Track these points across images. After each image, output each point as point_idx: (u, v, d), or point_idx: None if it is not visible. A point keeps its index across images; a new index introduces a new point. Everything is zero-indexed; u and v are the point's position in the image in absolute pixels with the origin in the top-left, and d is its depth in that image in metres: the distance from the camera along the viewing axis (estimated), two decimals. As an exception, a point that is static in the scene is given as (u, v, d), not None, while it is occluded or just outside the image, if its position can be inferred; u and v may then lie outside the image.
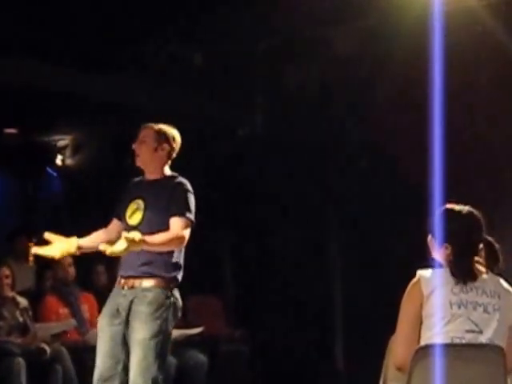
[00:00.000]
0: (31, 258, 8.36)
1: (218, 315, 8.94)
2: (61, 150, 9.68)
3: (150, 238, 4.78)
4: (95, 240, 5.12)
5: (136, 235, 4.69)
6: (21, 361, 6.77)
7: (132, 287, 4.94)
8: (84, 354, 6.98)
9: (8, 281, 7.23)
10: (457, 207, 3.92)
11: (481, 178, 7.83)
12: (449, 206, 3.95)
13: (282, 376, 9.05)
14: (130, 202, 5.10)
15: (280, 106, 9.11)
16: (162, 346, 4.90)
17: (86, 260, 7.07)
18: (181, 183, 5.09)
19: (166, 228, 4.90)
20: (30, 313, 7.31)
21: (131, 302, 4.93)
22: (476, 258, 3.84)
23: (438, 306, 3.72)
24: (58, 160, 9.70)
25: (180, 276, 5.05)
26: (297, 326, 9.24)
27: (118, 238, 4.96)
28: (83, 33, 7.42)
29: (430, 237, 3.93)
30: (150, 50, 8.05)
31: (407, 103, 7.95)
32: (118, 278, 5.06)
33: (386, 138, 8.22)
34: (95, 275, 8.03)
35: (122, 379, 4.95)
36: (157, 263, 4.95)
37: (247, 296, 9.63)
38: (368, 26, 7.66)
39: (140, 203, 5.06)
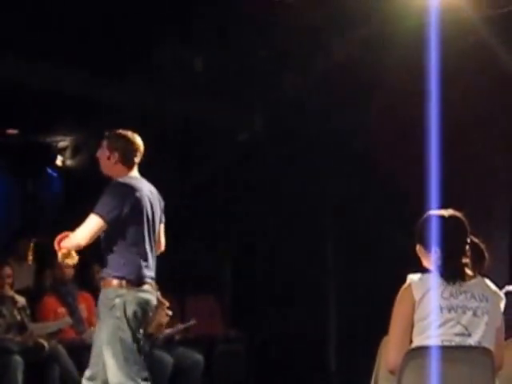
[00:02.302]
0: (30, 258, 8.41)
1: (215, 315, 9.01)
2: (61, 151, 9.68)
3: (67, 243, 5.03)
4: None
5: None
6: (18, 359, 6.81)
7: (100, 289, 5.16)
8: (81, 353, 7.00)
9: (10, 280, 7.29)
10: (440, 212, 3.97)
11: (471, 187, 7.93)
12: (432, 212, 3.99)
13: (276, 375, 9.10)
14: None
15: (279, 112, 9.18)
16: (121, 344, 5.00)
17: (84, 259, 7.15)
18: (111, 184, 5.19)
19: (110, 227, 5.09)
20: (28, 311, 7.35)
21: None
22: (464, 261, 3.89)
23: (429, 311, 3.76)
24: (59, 161, 9.69)
25: (129, 273, 5.10)
26: (291, 326, 9.30)
27: None
28: (85, 34, 7.42)
29: (418, 246, 4.00)
30: (151, 54, 8.06)
31: (403, 111, 8.02)
32: None
33: (383, 146, 8.28)
34: (93, 274, 8.08)
35: (104, 377, 5.07)
36: (107, 264, 5.10)
37: (243, 297, 9.68)
38: (364, 36, 7.70)
39: None
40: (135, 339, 5.05)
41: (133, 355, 5.02)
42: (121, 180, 5.17)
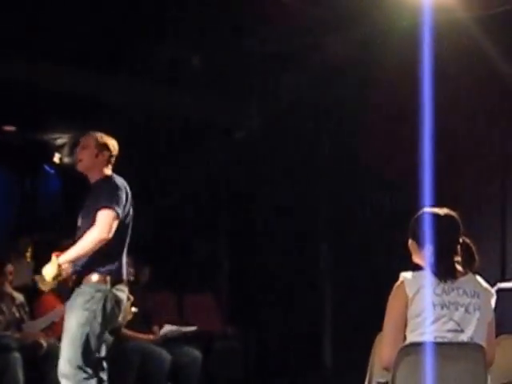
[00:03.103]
0: (29, 255, 8.42)
1: (213, 312, 9.00)
2: (59, 149, 9.69)
3: (66, 256, 5.05)
4: None
5: (48, 270, 5.00)
6: (17, 355, 6.81)
7: (74, 282, 5.16)
8: None
9: (10, 277, 7.30)
10: (436, 210, 4.02)
11: (465, 184, 7.97)
12: (427, 209, 4.04)
13: (273, 371, 9.13)
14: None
15: (275, 111, 9.20)
16: (90, 336, 5.06)
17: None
18: (106, 181, 5.28)
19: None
20: (27, 309, 7.35)
21: (72, 296, 5.16)
22: (456, 259, 3.94)
23: (422, 308, 3.81)
24: (56, 158, 9.71)
25: (113, 269, 5.17)
26: (288, 323, 9.31)
27: None
28: (84, 33, 7.46)
29: (410, 241, 4.05)
30: (149, 52, 8.08)
31: (397, 110, 8.06)
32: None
33: (377, 143, 8.31)
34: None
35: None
36: (90, 259, 5.12)
37: (241, 294, 9.71)
38: (359, 35, 7.73)
39: (84, 205, 5.31)
40: (101, 336, 5.13)
41: (92, 352, 5.08)
42: (116, 179, 5.26)
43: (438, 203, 4.14)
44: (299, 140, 9.15)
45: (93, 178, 5.34)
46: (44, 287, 5.09)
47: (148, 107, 8.64)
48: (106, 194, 5.14)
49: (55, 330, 7.25)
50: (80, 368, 5.02)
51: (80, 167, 5.37)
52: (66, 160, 9.69)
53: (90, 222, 5.09)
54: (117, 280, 5.17)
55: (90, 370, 5.05)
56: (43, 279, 5.06)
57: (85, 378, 5.03)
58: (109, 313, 5.11)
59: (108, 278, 5.12)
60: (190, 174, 8.96)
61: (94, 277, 5.11)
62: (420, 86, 6.47)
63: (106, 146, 5.35)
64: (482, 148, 8.03)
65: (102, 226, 5.04)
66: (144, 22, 7.74)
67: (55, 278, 5.06)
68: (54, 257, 5.07)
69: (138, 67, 8.27)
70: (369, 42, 7.75)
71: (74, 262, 5.10)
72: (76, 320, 5.05)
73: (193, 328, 7.76)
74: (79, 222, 5.28)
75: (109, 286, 5.12)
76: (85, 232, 5.09)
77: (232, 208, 9.67)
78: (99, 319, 5.07)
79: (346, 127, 9.03)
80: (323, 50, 8.06)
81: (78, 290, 5.12)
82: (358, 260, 8.99)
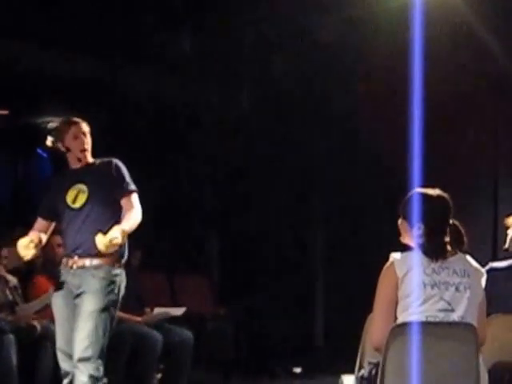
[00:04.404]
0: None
1: (204, 293, 9.05)
2: (51, 132, 9.67)
3: (127, 226, 5.00)
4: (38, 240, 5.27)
5: (116, 233, 4.90)
6: (11, 337, 6.78)
7: (83, 267, 5.11)
8: None
9: (5, 261, 7.29)
10: (428, 190, 4.05)
11: (455, 167, 7.97)
12: (419, 189, 4.07)
13: (264, 352, 9.20)
14: (67, 190, 5.26)
15: (267, 91, 9.22)
16: (110, 319, 5.07)
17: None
18: (115, 163, 5.29)
19: (111, 204, 5.12)
20: (20, 291, 7.33)
21: (82, 280, 5.09)
22: (446, 239, 3.97)
23: (412, 288, 3.84)
24: (49, 141, 9.66)
25: (126, 252, 5.19)
26: (279, 304, 9.35)
27: (46, 235, 5.30)
28: (75, 16, 7.46)
29: (400, 220, 4.07)
30: (140, 36, 8.07)
31: (387, 91, 8.05)
32: (65, 258, 5.22)
33: (367, 125, 8.32)
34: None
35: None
36: None
37: (232, 275, 9.72)
38: (350, 16, 7.72)
39: (81, 187, 5.24)
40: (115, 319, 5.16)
41: (108, 336, 5.09)
42: (113, 159, 5.30)
43: (429, 185, 4.15)
44: (290, 123, 9.14)
45: (83, 162, 5.35)
46: (105, 248, 4.96)
47: (140, 90, 8.63)
48: (129, 178, 5.19)
49: (48, 312, 7.27)
50: (102, 352, 5.03)
51: (84, 155, 5.37)
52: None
53: (110, 199, 5.10)
54: (124, 261, 5.21)
55: (105, 354, 5.07)
56: (107, 241, 4.94)
57: (103, 362, 5.06)
58: (121, 296, 5.15)
59: (121, 261, 5.15)
60: (181, 157, 8.97)
61: (111, 259, 5.10)
62: (411, 66, 6.46)
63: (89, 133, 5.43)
64: (473, 128, 8.03)
65: (140, 210, 5.10)
66: (135, 6, 7.71)
67: (115, 244, 4.95)
68: (116, 226, 4.99)
69: (130, 51, 8.24)
70: (359, 23, 7.73)
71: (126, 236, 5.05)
72: (98, 305, 5.03)
73: (182, 310, 7.79)
74: (77, 200, 5.22)
75: (121, 270, 5.15)
76: (105, 204, 5.09)
77: (223, 189, 9.68)
78: (118, 303, 5.12)
79: (337, 110, 9.03)
80: (313, 33, 8.03)
81: (93, 274, 5.09)
82: (349, 242, 9.02)
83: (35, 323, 6.96)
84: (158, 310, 7.75)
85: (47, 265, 7.65)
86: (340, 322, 8.60)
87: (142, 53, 8.33)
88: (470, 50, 7.60)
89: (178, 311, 7.81)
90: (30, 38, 7.69)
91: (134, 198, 5.14)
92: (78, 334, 5.01)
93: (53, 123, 9.82)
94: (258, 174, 9.46)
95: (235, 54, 8.59)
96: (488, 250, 7.77)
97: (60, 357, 5.20)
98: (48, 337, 6.94)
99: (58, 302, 5.23)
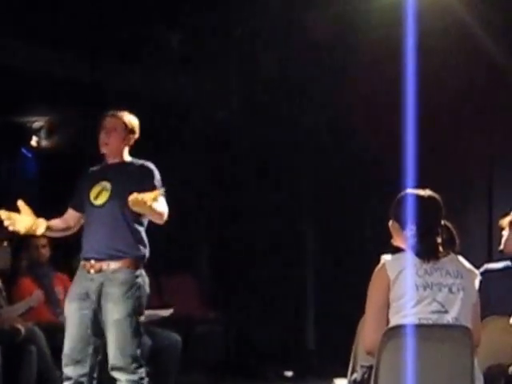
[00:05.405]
0: (6, 240, 8.32)
1: (193, 296, 9.00)
2: (36, 132, 9.65)
3: (157, 206, 4.88)
4: (56, 226, 5.21)
5: (150, 196, 4.75)
6: None
7: (100, 270, 5.01)
8: (58, 335, 6.86)
9: None
10: (418, 191, 4.02)
11: (448, 167, 7.95)
12: (410, 190, 4.04)
13: (254, 356, 9.14)
14: (93, 186, 5.17)
15: (255, 91, 9.17)
16: (137, 323, 5.01)
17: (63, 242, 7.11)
18: (146, 165, 5.20)
19: None
20: (4, 293, 7.23)
21: (102, 285, 5.00)
22: (438, 240, 3.93)
23: (404, 289, 3.80)
24: (33, 141, 9.67)
25: (147, 253, 5.12)
26: (270, 306, 9.32)
27: (74, 227, 5.22)
28: (59, 13, 7.38)
29: (391, 221, 4.04)
30: (127, 33, 8.01)
31: (379, 88, 8.02)
32: (82, 262, 5.11)
33: (358, 125, 8.30)
34: (74, 257, 8.05)
35: (93, 361, 5.05)
36: (124, 243, 5.03)
37: (222, 277, 9.67)
38: (342, 12, 7.69)
39: (105, 184, 5.14)
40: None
41: (140, 340, 5.06)
42: (145, 162, 5.21)
43: (423, 187, 4.11)
44: (280, 118, 9.08)
45: (114, 159, 5.24)
46: (132, 203, 4.76)
47: (126, 89, 8.57)
48: (158, 183, 5.10)
49: (33, 314, 7.24)
50: (134, 358, 4.96)
51: (105, 150, 5.23)
52: (44, 143, 9.63)
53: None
54: (145, 263, 5.13)
55: (141, 359, 5.02)
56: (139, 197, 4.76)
57: (137, 367, 4.99)
58: (145, 300, 5.09)
59: (143, 263, 5.08)
60: (171, 155, 8.91)
61: (133, 261, 5.03)
62: (404, 62, 6.41)
63: (132, 130, 5.27)
64: (468, 126, 8.01)
65: (166, 212, 5.01)
66: (121, 3, 7.65)
67: (143, 202, 4.77)
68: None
69: (116, 48, 8.18)
70: (350, 19, 7.70)
71: (153, 213, 4.94)
72: (120, 313, 4.95)
73: (170, 311, 7.73)
74: (96, 199, 5.12)
75: (143, 271, 5.08)
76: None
77: (213, 189, 9.63)
78: (142, 305, 5.05)
79: (328, 105, 8.99)
80: (304, 27, 8.00)
81: (111, 279, 4.99)
82: (341, 245, 8.99)
83: (19, 326, 6.88)
84: (146, 312, 7.67)
85: (32, 266, 7.62)
86: (332, 325, 8.55)
87: (128, 51, 8.27)
88: (463, 48, 7.60)
89: (166, 312, 7.75)
90: (13, 35, 7.60)
91: (161, 199, 4.97)
92: (108, 344, 4.97)
93: (38, 122, 9.82)
94: (248, 176, 9.39)
95: (223, 51, 8.53)
96: (483, 251, 7.74)
97: (64, 361, 5.09)
98: (32, 340, 6.92)
99: (71, 305, 5.11)
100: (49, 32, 7.56)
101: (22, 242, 7.66)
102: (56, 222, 5.23)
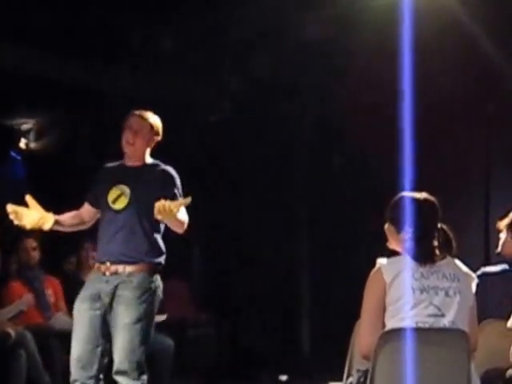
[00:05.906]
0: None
1: (185, 299, 8.96)
2: (25, 134, 9.64)
3: (180, 215, 4.84)
4: (67, 221, 5.14)
5: (177, 204, 4.74)
6: None
7: (116, 273, 4.95)
8: (48, 339, 6.98)
9: None
10: (414, 194, 4.00)
11: (444, 168, 7.93)
12: (406, 193, 4.01)
13: (248, 360, 9.13)
14: (111, 187, 5.07)
15: (250, 92, 9.12)
16: (147, 329, 4.94)
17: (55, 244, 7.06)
18: (168, 171, 5.12)
19: (153, 214, 4.80)
20: (-6, 297, 7.24)
21: (115, 288, 4.93)
22: (435, 243, 3.90)
23: (401, 293, 3.78)
24: (22, 144, 9.65)
25: (163, 260, 5.08)
26: (263, 310, 9.30)
27: (89, 221, 5.15)
28: (48, 15, 7.35)
29: (387, 225, 4.01)
30: (119, 35, 7.98)
31: (375, 91, 7.99)
32: (97, 264, 5.04)
33: (356, 124, 8.29)
34: (65, 260, 8.04)
35: (101, 363, 4.97)
36: (140, 250, 4.97)
37: (214, 280, 9.66)
38: (337, 13, 7.68)
39: (124, 189, 5.04)
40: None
41: (148, 346, 4.96)
42: (168, 167, 5.14)
43: (419, 189, 4.10)
44: (274, 120, 9.02)
45: (135, 161, 5.14)
46: (158, 211, 4.69)
47: (118, 92, 8.54)
48: (178, 191, 5.06)
49: (23, 318, 7.20)
50: (138, 363, 4.89)
51: (128, 149, 5.11)
52: (32, 146, 9.62)
53: (148, 212, 4.83)
54: (160, 270, 5.07)
55: (145, 365, 4.94)
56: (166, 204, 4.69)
57: (141, 373, 4.92)
58: (158, 304, 5.03)
59: (158, 269, 5.02)
60: (164, 157, 8.90)
61: (147, 267, 4.96)
62: (400, 65, 6.40)
63: (157, 133, 5.18)
64: (464, 129, 7.98)
65: (186, 221, 4.95)
66: (112, 4, 7.61)
67: (169, 210, 4.71)
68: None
69: (107, 50, 8.14)
70: (346, 20, 7.68)
71: (175, 222, 4.90)
72: (131, 317, 4.87)
73: (163, 317, 7.68)
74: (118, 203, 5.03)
75: (158, 276, 5.02)
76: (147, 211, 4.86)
77: (205, 191, 9.59)
78: (154, 311, 4.99)
79: (323, 107, 8.99)
80: (298, 29, 7.97)
81: (126, 282, 4.92)
82: (336, 248, 8.97)
83: (9, 330, 6.85)
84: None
85: (22, 269, 7.59)
86: (327, 329, 8.54)
87: (119, 52, 8.25)
88: (460, 49, 7.58)
89: (160, 318, 7.69)
90: (2, 38, 7.55)
91: (184, 211, 4.93)
92: (115, 347, 4.89)
93: (26, 125, 9.82)
94: (243, 180, 9.37)
95: (217, 52, 8.50)
96: (480, 254, 7.73)
97: (72, 362, 4.99)
98: (22, 344, 6.89)
99: (82, 305, 5.01)
100: (37, 34, 7.54)
101: (12, 245, 7.61)
102: (66, 217, 5.15)
